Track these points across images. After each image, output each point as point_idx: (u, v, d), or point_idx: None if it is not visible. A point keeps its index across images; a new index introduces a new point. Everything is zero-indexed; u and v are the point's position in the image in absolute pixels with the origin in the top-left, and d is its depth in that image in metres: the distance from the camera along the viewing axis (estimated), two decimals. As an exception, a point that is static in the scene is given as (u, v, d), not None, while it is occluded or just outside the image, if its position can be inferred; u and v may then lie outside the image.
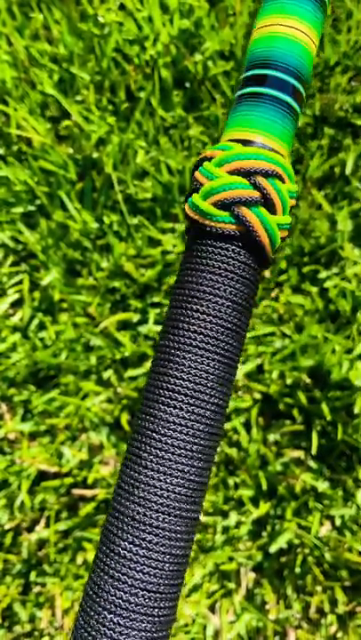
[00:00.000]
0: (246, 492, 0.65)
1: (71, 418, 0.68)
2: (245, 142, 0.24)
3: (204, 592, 0.65)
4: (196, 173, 0.24)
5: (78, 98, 0.74)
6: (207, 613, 0.65)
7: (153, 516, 0.22)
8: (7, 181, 0.73)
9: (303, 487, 0.65)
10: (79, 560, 0.67)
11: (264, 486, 0.64)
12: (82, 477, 0.67)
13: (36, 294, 0.72)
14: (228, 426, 0.66)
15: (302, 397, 0.65)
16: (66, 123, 0.73)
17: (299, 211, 0.70)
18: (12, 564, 0.68)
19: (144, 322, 0.70)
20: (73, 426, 0.68)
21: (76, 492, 0.67)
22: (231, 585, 0.65)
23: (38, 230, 0.72)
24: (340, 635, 0.64)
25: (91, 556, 0.66)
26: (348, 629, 0.64)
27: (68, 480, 0.67)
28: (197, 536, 0.66)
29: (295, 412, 0.66)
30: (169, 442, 0.23)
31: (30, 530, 0.69)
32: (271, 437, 0.66)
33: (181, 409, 0.23)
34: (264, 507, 0.65)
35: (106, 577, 0.22)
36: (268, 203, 0.23)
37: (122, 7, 0.77)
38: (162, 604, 0.22)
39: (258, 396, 0.67)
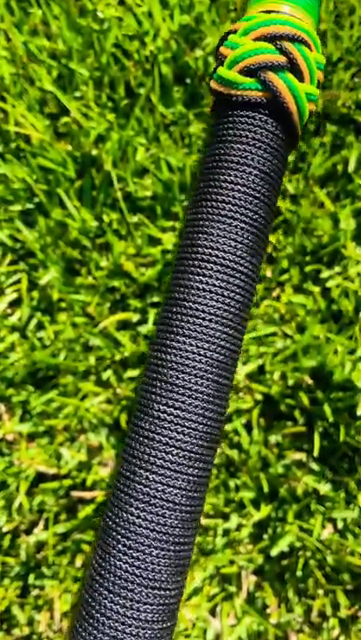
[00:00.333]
0: (247, 495, 0.64)
1: (70, 419, 0.67)
2: (271, 11, 0.23)
3: (205, 595, 0.64)
4: (221, 48, 0.24)
5: (77, 94, 0.73)
6: (208, 617, 0.64)
7: (186, 378, 0.23)
8: (5, 179, 0.72)
9: (305, 489, 0.64)
10: (78, 563, 0.67)
11: (265, 488, 0.63)
12: (81, 479, 0.66)
13: (35, 294, 0.71)
14: (228, 427, 0.66)
15: (304, 398, 0.64)
16: (65, 119, 0.72)
17: (301, 209, 0.69)
18: (11, 566, 0.67)
19: (144, 322, 0.69)
20: (72, 427, 0.67)
21: (75, 494, 0.66)
22: (232, 588, 0.64)
23: (37, 228, 0.71)
24: (342, 639, 0.63)
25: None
26: (350, 633, 0.63)
27: (67, 482, 0.66)
28: (198, 538, 0.66)
29: (297, 414, 0.65)
30: (200, 308, 0.23)
31: (29, 532, 0.68)
32: (272, 439, 0.66)
33: (211, 277, 0.23)
34: (265, 509, 0.64)
35: (141, 438, 0.23)
36: (294, 68, 0.23)
37: (121, 2, 0.76)
38: (195, 464, 0.23)
39: (259, 397, 0.66)
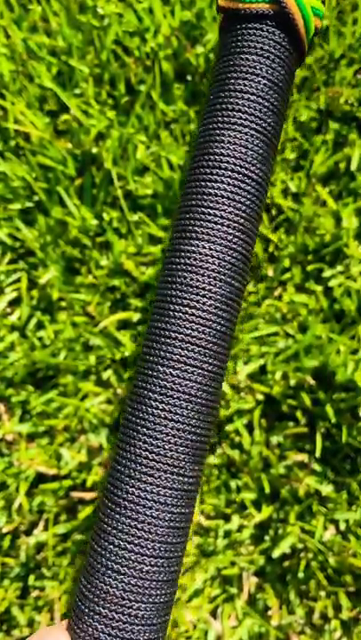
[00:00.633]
0: (249, 496, 0.64)
1: (70, 419, 0.66)
2: None
3: (206, 597, 0.64)
4: None
5: (77, 91, 0.73)
6: (209, 618, 0.64)
7: (200, 279, 0.24)
8: (5, 177, 0.71)
9: (307, 490, 0.64)
10: (78, 564, 0.66)
11: (267, 489, 0.63)
12: (81, 480, 0.66)
13: (35, 293, 0.70)
14: (229, 427, 0.65)
15: (306, 399, 0.63)
16: (64, 117, 0.72)
17: (303, 207, 0.68)
18: (10, 567, 0.66)
19: (144, 321, 0.68)
20: (72, 427, 0.67)
21: (75, 494, 0.66)
22: (233, 590, 0.64)
23: (36, 227, 0.70)
24: (344, 641, 0.63)
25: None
26: (352, 635, 0.62)
27: (67, 482, 0.66)
28: (199, 540, 0.65)
29: (299, 414, 0.64)
30: (212, 212, 0.24)
31: (28, 533, 0.67)
32: (274, 439, 0.65)
33: (223, 182, 0.25)
34: (267, 510, 0.63)
35: (158, 337, 0.25)
36: None
37: (122, -2, 0.75)
38: (210, 360, 0.25)
39: (261, 397, 0.65)
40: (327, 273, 0.67)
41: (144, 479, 0.24)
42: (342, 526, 0.63)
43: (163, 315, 0.25)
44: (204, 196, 0.25)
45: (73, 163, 0.71)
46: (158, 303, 0.26)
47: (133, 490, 0.24)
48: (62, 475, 0.66)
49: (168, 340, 0.24)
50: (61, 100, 0.72)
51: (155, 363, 0.25)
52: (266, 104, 0.25)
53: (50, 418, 0.67)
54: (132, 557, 0.23)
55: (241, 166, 0.25)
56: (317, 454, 0.62)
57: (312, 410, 0.64)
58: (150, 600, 0.23)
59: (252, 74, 0.25)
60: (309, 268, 0.67)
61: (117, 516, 0.24)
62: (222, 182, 0.25)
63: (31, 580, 0.66)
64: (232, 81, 0.25)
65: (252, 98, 0.25)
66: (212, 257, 0.24)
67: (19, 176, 0.71)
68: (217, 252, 0.24)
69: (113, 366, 0.68)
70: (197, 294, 0.24)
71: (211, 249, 0.24)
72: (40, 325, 0.70)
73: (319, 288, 0.67)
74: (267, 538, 0.64)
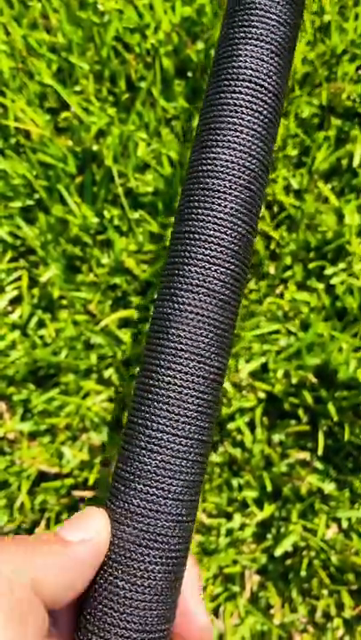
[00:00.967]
0: (250, 494, 0.64)
1: (72, 417, 0.66)
2: None
3: (208, 595, 0.64)
4: None
5: (77, 88, 0.72)
6: (211, 617, 0.64)
7: (220, 184, 0.26)
8: (5, 175, 0.71)
9: (309, 489, 0.64)
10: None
11: (269, 488, 0.63)
12: (82, 478, 0.66)
13: (35, 291, 0.70)
14: (231, 426, 0.65)
15: (308, 397, 0.63)
16: (65, 114, 0.71)
17: (304, 204, 0.68)
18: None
19: (146, 319, 0.68)
20: (73, 425, 0.66)
21: (77, 493, 0.66)
22: (235, 588, 0.64)
23: (37, 225, 0.70)
24: (346, 639, 0.63)
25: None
26: (355, 633, 0.62)
27: (69, 481, 0.66)
28: (200, 538, 0.65)
29: (301, 412, 0.64)
30: (231, 121, 0.26)
31: (30, 531, 0.67)
32: (276, 438, 0.65)
33: (241, 92, 0.26)
34: (269, 509, 0.63)
35: (181, 237, 0.27)
36: None
37: (122, -6, 0.75)
38: (232, 260, 0.27)
39: (262, 395, 0.65)
40: (329, 270, 0.66)
41: (173, 367, 0.26)
42: (345, 524, 0.63)
43: (187, 218, 0.27)
44: (224, 107, 0.26)
45: (73, 160, 0.70)
46: (183, 207, 0.27)
47: (163, 377, 0.26)
48: (64, 473, 0.66)
49: (192, 242, 0.26)
50: (62, 97, 0.71)
51: (180, 262, 0.26)
52: (281, 21, 0.26)
53: (51, 416, 0.67)
54: (166, 437, 0.25)
55: (258, 77, 0.26)
56: (320, 452, 0.62)
57: (314, 408, 0.64)
58: (182, 477, 0.25)
59: None
60: (311, 265, 0.67)
61: (150, 402, 0.26)
62: (240, 92, 0.26)
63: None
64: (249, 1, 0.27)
65: (268, 15, 0.26)
66: (232, 163, 0.26)
67: (19, 174, 0.70)
68: (236, 157, 0.26)
69: (114, 364, 0.67)
70: (219, 197, 0.26)
71: (231, 155, 0.26)
72: (41, 324, 0.70)
73: (321, 286, 0.66)
74: (269, 536, 0.64)
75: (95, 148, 0.70)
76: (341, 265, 0.67)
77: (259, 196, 0.27)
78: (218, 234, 0.26)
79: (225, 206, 0.26)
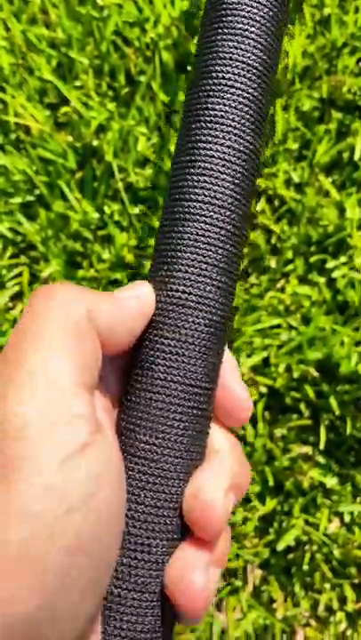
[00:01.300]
0: (253, 488, 0.64)
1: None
2: None
3: (210, 590, 0.64)
4: None
5: (77, 83, 0.72)
6: (213, 611, 0.64)
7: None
8: (5, 171, 0.71)
9: (311, 483, 0.64)
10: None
11: (271, 482, 0.62)
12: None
13: (36, 287, 0.70)
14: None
15: (310, 391, 0.63)
16: (65, 109, 0.71)
17: (306, 198, 0.67)
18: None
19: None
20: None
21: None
22: (238, 582, 0.64)
23: (38, 221, 0.70)
24: (349, 633, 0.62)
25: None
26: (357, 627, 0.62)
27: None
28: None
29: (302, 407, 0.64)
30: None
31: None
32: (278, 432, 0.65)
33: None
34: (271, 503, 0.63)
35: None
36: None
37: (121, -12, 0.74)
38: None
39: (264, 389, 0.65)
40: (330, 264, 0.66)
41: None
42: (347, 518, 0.63)
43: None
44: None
45: (74, 156, 0.70)
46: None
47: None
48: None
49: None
50: (61, 92, 0.71)
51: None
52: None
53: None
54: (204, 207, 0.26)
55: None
56: (321, 446, 0.62)
57: (316, 402, 0.64)
58: (221, 246, 0.26)
59: None
60: (312, 259, 0.67)
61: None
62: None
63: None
64: None
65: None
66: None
67: (19, 169, 0.70)
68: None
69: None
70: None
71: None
72: (42, 319, 0.69)
73: (322, 279, 0.66)
74: (271, 530, 0.64)
75: (95, 143, 0.70)
76: (343, 258, 0.66)
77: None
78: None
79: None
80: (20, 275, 0.71)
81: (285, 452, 0.64)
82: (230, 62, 0.25)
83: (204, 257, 0.25)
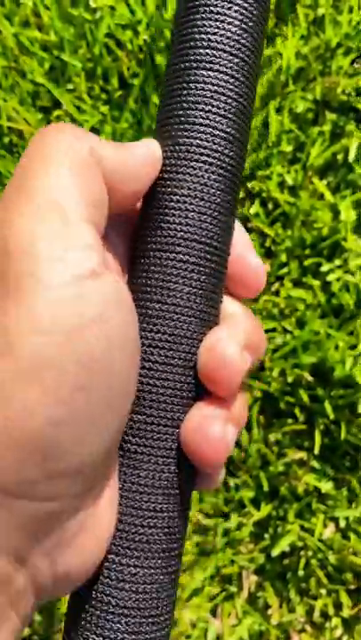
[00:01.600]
0: (247, 494, 0.63)
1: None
2: None
3: (205, 596, 0.63)
4: None
5: (70, 86, 0.72)
6: (208, 617, 0.63)
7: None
8: (-2, 175, 0.70)
9: (306, 488, 0.63)
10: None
11: (265, 487, 0.62)
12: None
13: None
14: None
15: (304, 396, 0.62)
16: (57, 112, 0.71)
17: (300, 201, 0.67)
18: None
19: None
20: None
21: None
22: (233, 588, 0.64)
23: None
24: (345, 638, 0.62)
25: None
26: (353, 633, 0.62)
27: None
28: (197, 538, 0.65)
29: (297, 411, 0.64)
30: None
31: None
32: (272, 437, 0.64)
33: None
34: (266, 508, 0.63)
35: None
36: None
37: (114, -10, 0.74)
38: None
39: (259, 394, 0.65)
40: (325, 267, 0.66)
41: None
42: (342, 524, 0.63)
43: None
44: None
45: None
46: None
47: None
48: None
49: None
50: (54, 95, 0.71)
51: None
52: None
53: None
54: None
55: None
56: (316, 451, 0.62)
57: (310, 406, 0.63)
58: None
59: None
60: (307, 262, 0.66)
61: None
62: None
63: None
64: None
65: None
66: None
67: (12, 173, 0.70)
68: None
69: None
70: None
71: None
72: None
73: (317, 283, 0.66)
74: (266, 536, 0.64)
75: (88, 146, 0.69)
76: (337, 261, 0.66)
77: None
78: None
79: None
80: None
81: (280, 457, 0.64)
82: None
83: (213, 106, 0.24)
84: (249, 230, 0.69)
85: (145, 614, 0.22)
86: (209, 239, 0.24)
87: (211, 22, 0.24)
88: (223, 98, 0.24)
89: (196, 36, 0.24)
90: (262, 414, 0.65)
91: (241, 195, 0.70)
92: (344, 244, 0.65)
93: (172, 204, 0.24)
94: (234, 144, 0.24)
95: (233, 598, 0.64)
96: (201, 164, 0.23)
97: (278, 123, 0.68)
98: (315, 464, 0.63)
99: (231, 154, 0.24)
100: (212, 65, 0.24)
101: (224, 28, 0.24)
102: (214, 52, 0.24)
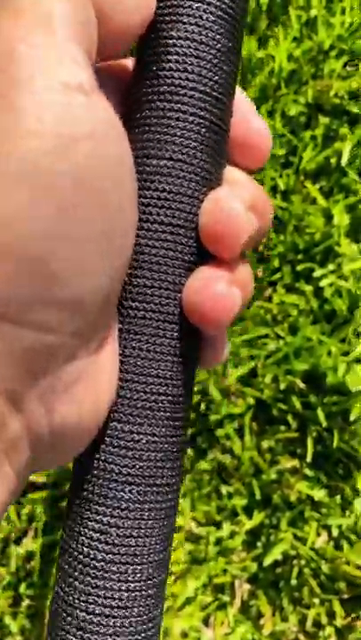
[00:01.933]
0: (240, 502, 0.63)
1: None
2: None
3: (198, 605, 0.63)
4: None
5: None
6: (201, 627, 0.63)
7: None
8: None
9: (299, 496, 0.63)
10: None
11: (258, 495, 0.62)
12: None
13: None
14: (220, 432, 0.64)
15: (297, 403, 0.62)
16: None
17: (292, 206, 0.66)
18: (2, 576, 0.66)
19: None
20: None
21: (64, 503, 0.65)
22: (225, 597, 0.63)
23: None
24: (338, 648, 0.62)
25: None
26: (347, 642, 0.61)
27: (56, 491, 0.65)
28: (189, 547, 0.64)
29: (290, 418, 0.63)
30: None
31: (18, 542, 0.67)
32: (265, 444, 0.64)
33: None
34: (258, 517, 0.62)
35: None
36: None
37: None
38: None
39: (251, 401, 0.64)
40: (318, 272, 0.65)
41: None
42: (335, 532, 0.62)
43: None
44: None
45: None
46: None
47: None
48: (51, 483, 0.66)
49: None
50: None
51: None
52: None
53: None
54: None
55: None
56: (309, 459, 0.61)
57: (303, 414, 0.63)
58: None
59: None
60: (300, 267, 0.66)
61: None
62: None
63: (22, 588, 0.65)
64: None
65: None
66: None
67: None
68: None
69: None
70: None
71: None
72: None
73: (310, 288, 0.65)
74: (259, 544, 0.63)
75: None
76: (330, 266, 0.65)
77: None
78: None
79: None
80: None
81: (273, 465, 0.63)
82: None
83: None
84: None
85: (149, 482, 0.21)
86: (209, 88, 0.22)
87: None
88: None
89: None
90: (255, 421, 0.65)
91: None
92: (337, 249, 0.65)
93: (169, 48, 0.22)
94: None
95: (225, 607, 0.63)
96: (199, 4, 0.22)
97: (271, 126, 0.68)
98: (307, 472, 0.63)
99: None
100: None
101: None
102: None
